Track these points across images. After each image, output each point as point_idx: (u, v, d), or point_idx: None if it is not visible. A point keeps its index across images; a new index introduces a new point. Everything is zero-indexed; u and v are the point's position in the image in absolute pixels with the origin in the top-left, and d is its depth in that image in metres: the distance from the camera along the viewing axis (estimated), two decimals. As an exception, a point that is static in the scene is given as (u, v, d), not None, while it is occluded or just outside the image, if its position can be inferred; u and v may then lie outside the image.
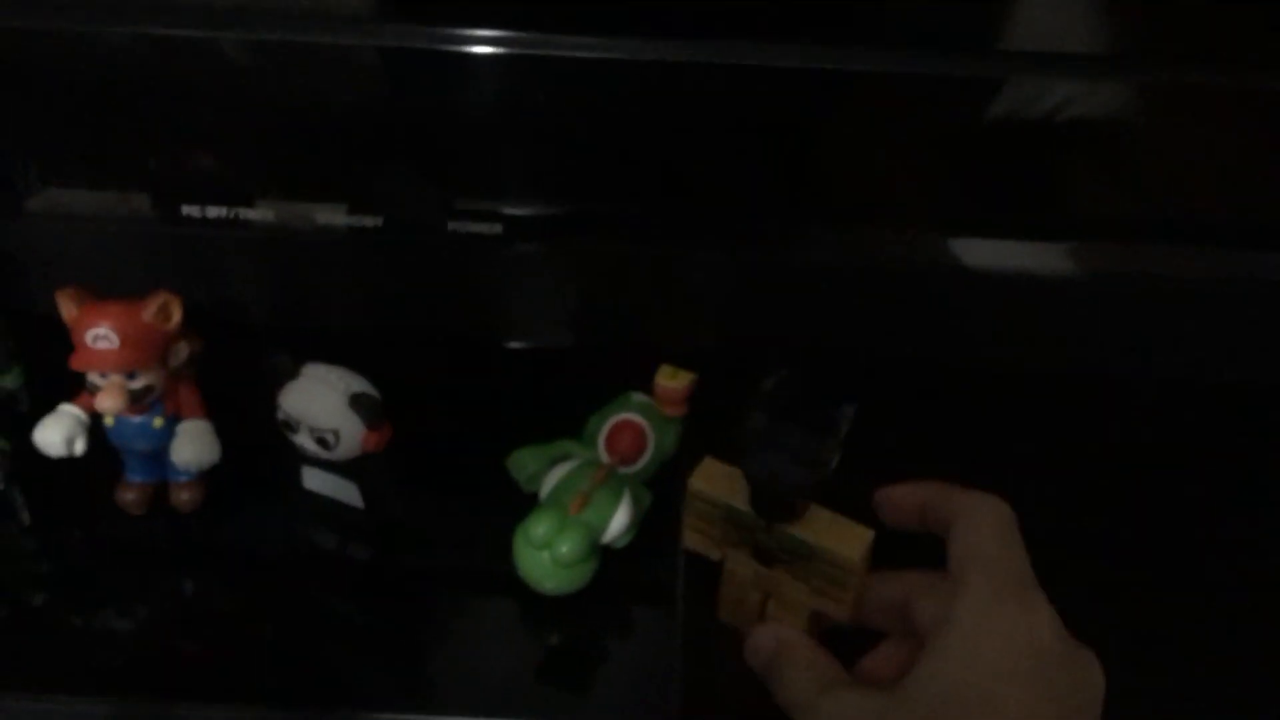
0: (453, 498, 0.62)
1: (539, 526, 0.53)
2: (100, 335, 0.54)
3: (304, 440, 0.55)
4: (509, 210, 0.61)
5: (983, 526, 0.43)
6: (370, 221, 0.60)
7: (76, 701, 0.53)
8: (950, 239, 0.63)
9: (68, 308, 0.55)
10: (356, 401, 0.54)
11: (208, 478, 0.60)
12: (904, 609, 0.45)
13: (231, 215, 0.60)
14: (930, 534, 0.46)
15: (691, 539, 0.49)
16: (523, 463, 0.58)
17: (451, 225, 0.59)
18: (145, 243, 0.65)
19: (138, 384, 0.56)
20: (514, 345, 0.71)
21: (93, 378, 0.55)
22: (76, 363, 0.55)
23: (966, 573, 0.41)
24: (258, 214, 0.60)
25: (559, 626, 0.56)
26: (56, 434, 0.55)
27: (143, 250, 0.66)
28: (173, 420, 0.58)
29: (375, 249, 0.62)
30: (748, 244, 0.65)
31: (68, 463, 0.57)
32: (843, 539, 0.45)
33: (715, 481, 0.47)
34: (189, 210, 0.60)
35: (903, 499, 0.47)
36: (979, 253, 0.63)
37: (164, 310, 0.55)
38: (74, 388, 0.57)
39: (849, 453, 0.43)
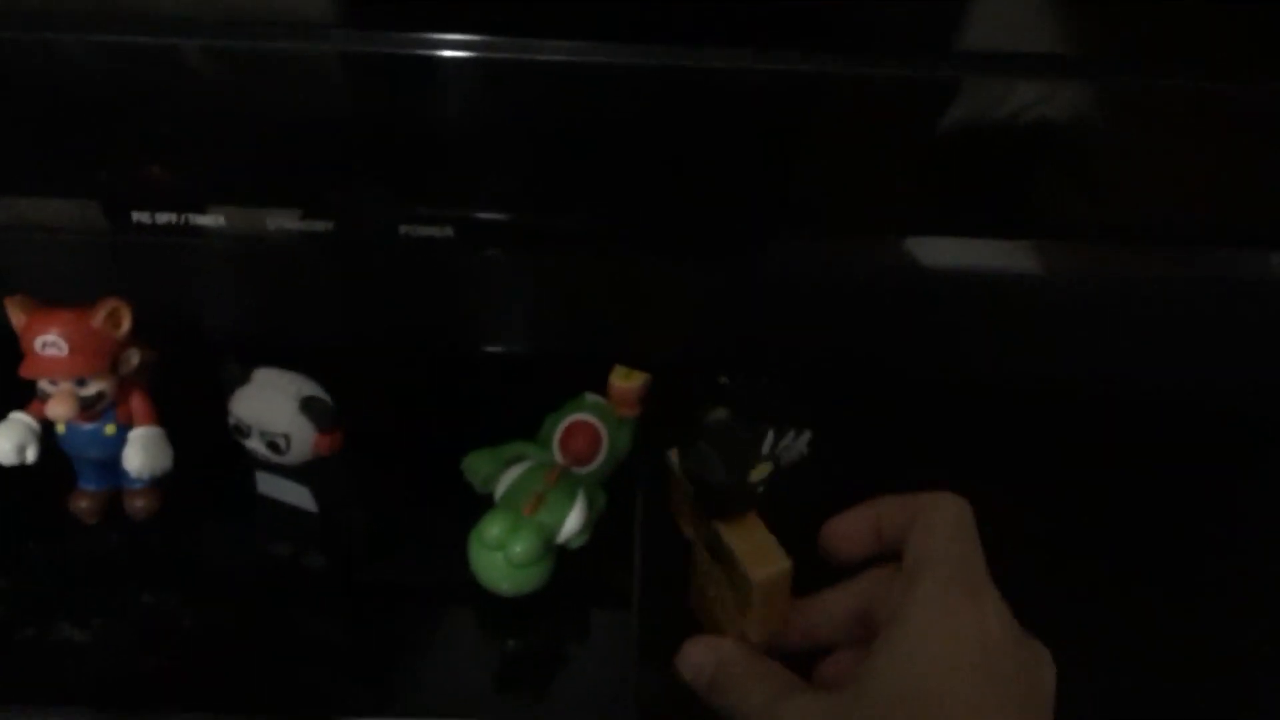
0: (408, 501, 0.62)
1: (493, 528, 0.53)
2: (49, 342, 0.54)
3: (256, 445, 0.55)
4: (461, 215, 0.61)
5: (937, 524, 0.43)
6: (322, 226, 0.60)
7: (30, 712, 0.52)
8: (921, 248, 0.63)
9: (16, 315, 0.54)
10: (307, 405, 0.54)
11: (162, 485, 0.60)
12: (865, 616, 0.45)
13: (182, 221, 0.60)
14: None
15: (673, 508, 0.49)
16: (477, 465, 0.58)
17: (403, 229, 0.59)
18: (95, 250, 0.65)
19: (88, 391, 0.55)
20: (467, 350, 0.71)
21: (43, 385, 0.55)
22: (26, 370, 0.54)
23: (918, 570, 0.42)
24: (208, 220, 0.60)
25: (515, 629, 0.56)
26: (8, 442, 0.55)
27: (93, 258, 0.66)
28: (125, 428, 0.58)
29: (328, 254, 0.62)
30: (708, 253, 0.65)
31: (19, 471, 0.57)
32: (757, 556, 0.44)
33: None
34: (139, 217, 0.60)
35: (852, 525, 0.47)
36: (951, 261, 0.64)
37: (113, 317, 0.55)
38: (25, 396, 0.57)
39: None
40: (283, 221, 0.60)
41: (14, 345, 0.56)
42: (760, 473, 0.43)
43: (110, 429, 0.57)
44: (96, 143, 0.60)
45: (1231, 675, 0.56)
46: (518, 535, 0.53)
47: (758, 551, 0.44)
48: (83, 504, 0.59)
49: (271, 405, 0.54)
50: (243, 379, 0.55)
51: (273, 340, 0.66)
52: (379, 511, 0.61)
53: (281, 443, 0.54)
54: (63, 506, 0.59)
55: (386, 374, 0.68)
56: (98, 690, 0.53)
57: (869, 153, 0.61)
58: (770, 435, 0.43)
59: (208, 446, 0.58)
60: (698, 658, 0.46)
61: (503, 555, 0.53)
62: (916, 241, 0.64)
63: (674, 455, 0.48)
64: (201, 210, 0.61)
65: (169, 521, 0.60)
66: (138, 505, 0.59)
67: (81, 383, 0.55)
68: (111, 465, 0.58)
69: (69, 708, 0.52)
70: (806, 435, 0.44)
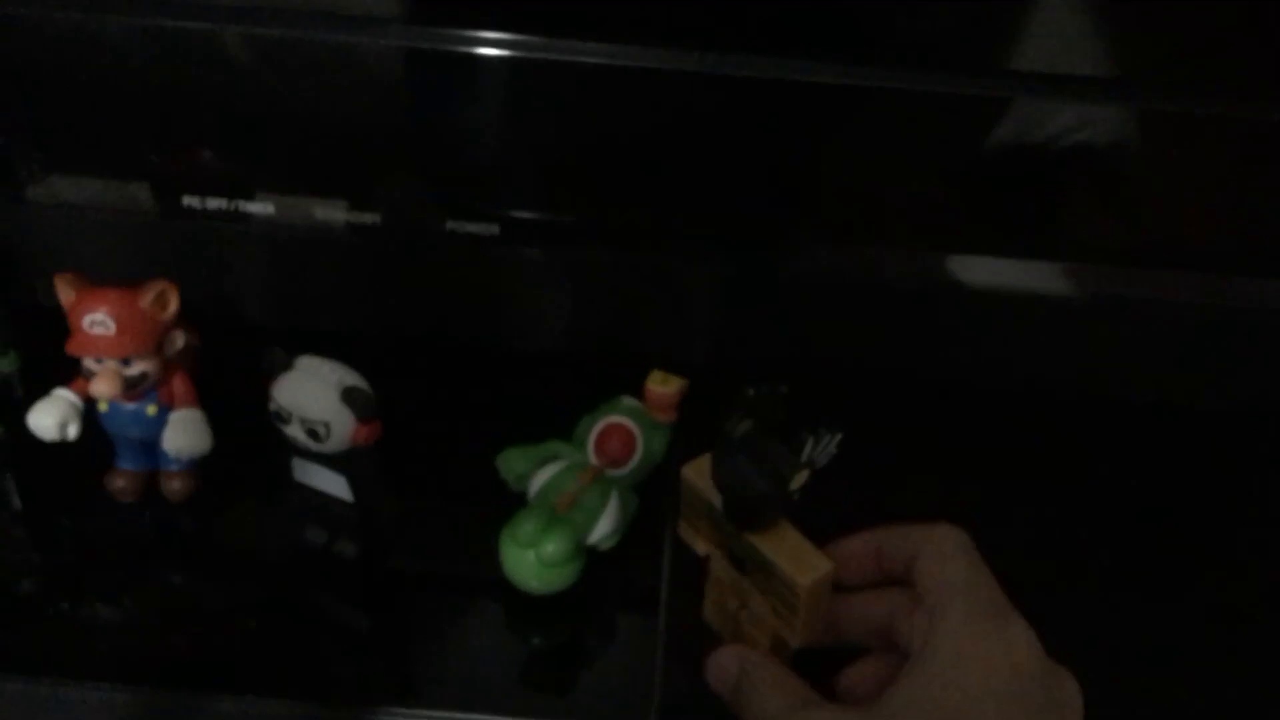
0: (441, 495, 0.62)
1: (525, 525, 0.54)
2: (97, 321, 0.55)
3: (295, 432, 0.56)
4: (508, 212, 0.62)
5: (948, 554, 0.44)
6: (369, 218, 0.60)
7: (62, 687, 0.53)
8: (958, 257, 0.63)
9: (66, 293, 0.55)
10: (348, 395, 0.54)
11: (199, 468, 0.60)
12: (887, 628, 0.45)
13: (231, 207, 0.61)
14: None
15: (684, 530, 0.50)
16: (511, 462, 0.59)
17: (449, 225, 0.60)
18: (144, 232, 0.66)
19: (133, 370, 0.56)
20: (506, 348, 0.71)
21: (88, 363, 0.56)
22: (73, 347, 0.55)
23: (942, 599, 0.42)
24: (257, 207, 0.61)
25: (543, 626, 0.57)
26: (50, 418, 0.56)
27: (141, 240, 0.67)
28: (166, 409, 0.58)
29: (373, 246, 0.63)
30: (747, 256, 0.66)
31: (60, 448, 0.57)
32: (799, 563, 0.45)
33: (705, 477, 0.47)
34: (189, 201, 0.61)
35: (853, 550, 0.47)
36: (988, 272, 0.64)
37: (161, 298, 0.56)
38: (69, 374, 0.58)
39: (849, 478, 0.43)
40: (330, 212, 0.61)
41: (59, 322, 0.57)
42: (799, 480, 0.43)
43: (152, 409, 0.58)
44: (150, 126, 0.61)
45: (1262, 693, 0.56)
46: (550, 534, 0.53)
47: (799, 557, 0.44)
48: (120, 483, 0.59)
49: (313, 393, 0.55)
50: (285, 366, 0.56)
51: (314, 329, 0.66)
52: (412, 504, 0.62)
53: (321, 430, 0.55)
54: (99, 485, 0.60)
55: (424, 368, 0.69)
56: (126, 668, 0.53)
57: (908, 164, 0.61)
58: (810, 441, 0.43)
59: (245, 432, 0.58)
60: (725, 664, 0.47)
61: (534, 553, 0.53)
62: (956, 257, 0.65)
63: (691, 471, 0.48)
64: (251, 197, 0.61)
65: (204, 504, 0.61)
66: (174, 487, 0.59)
67: (126, 362, 0.56)
68: (151, 446, 0.59)
69: (98, 684, 0.52)
70: (839, 437, 0.44)
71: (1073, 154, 0.58)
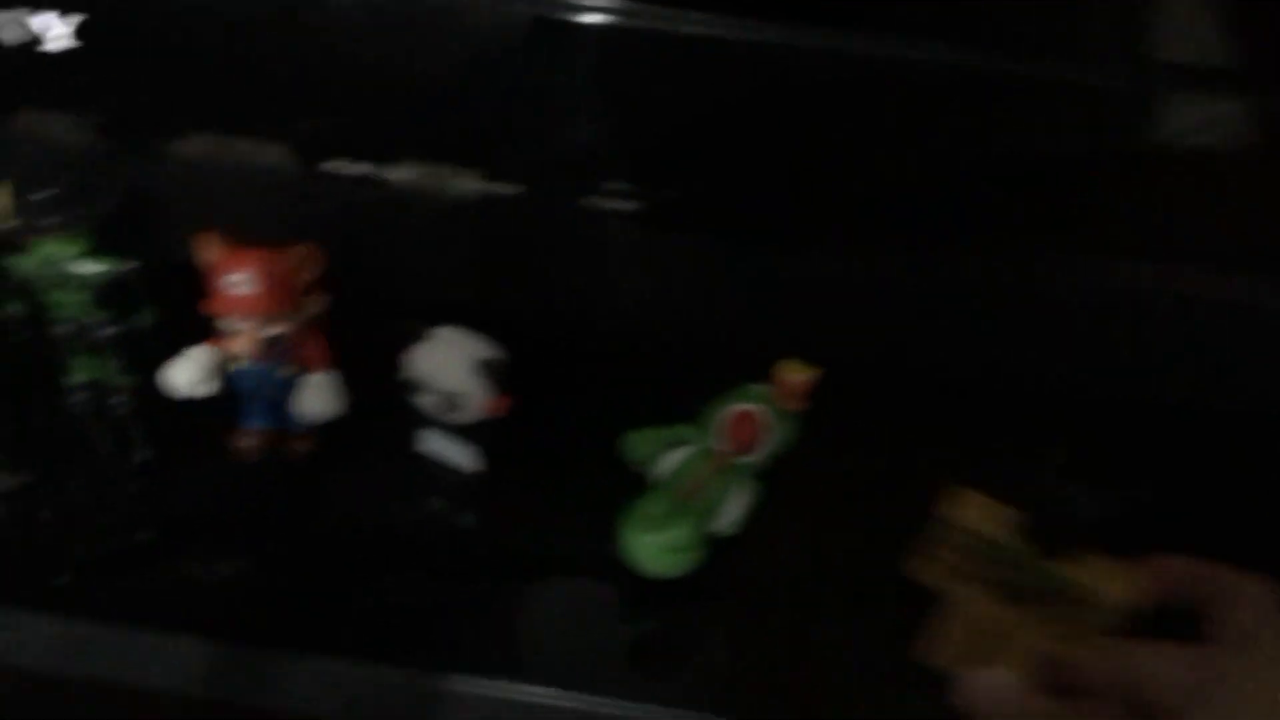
0: (564, 473, 0.62)
1: (650, 509, 0.53)
2: (240, 281, 0.55)
3: (427, 401, 0.56)
4: (647, 190, 0.61)
5: (1250, 606, 0.42)
6: (505, 189, 0.60)
7: (176, 640, 0.54)
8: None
9: (209, 252, 0.55)
10: (484, 367, 0.54)
11: (323, 431, 0.61)
12: (1132, 687, 0.44)
13: (373, 174, 0.61)
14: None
15: (926, 570, 0.49)
16: (638, 445, 0.58)
17: (585, 200, 0.59)
18: (282, 195, 0.66)
19: (271, 331, 0.56)
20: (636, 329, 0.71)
21: (226, 322, 0.56)
22: (213, 307, 0.55)
23: (1231, 650, 0.41)
24: (396, 174, 0.61)
25: (657, 610, 0.56)
26: (186, 375, 0.56)
27: (279, 202, 0.67)
28: (298, 371, 0.58)
29: (508, 218, 0.63)
30: (887, 251, 0.64)
31: (188, 405, 0.58)
32: (1111, 578, 0.44)
33: (974, 514, 0.46)
34: (330, 165, 0.61)
35: (1173, 570, 0.46)
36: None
37: (304, 262, 0.56)
38: (202, 332, 0.58)
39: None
40: (468, 182, 0.60)
41: (193, 280, 0.57)
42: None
43: (285, 371, 0.58)
44: (293, 90, 0.61)
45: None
46: (673, 519, 0.52)
47: (1107, 574, 0.44)
48: (246, 441, 0.60)
49: (448, 364, 0.55)
50: (421, 336, 0.56)
51: (447, 301, 0.66)
52: (535, 479, 0.62)
53: (454, 401, 0.55)
54: (221, 442, 0.60)
55: (552, 344, 0.68)
56: (236, 623, 0.54)
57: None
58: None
59: (372, 398, 0.58)
60: (990, 685, 0.46)
61: (656, 538, 0.53)
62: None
63: (958, 507, 0.47)
64: (392, 164, 0.61)
65: (326, 467, 0.61)
66: (299, 448, 0.60)
67: (265, 323, 0.56)
68: (278, 407, 0.59)
69: (208, 637, 0.53)
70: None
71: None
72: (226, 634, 0.54)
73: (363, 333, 0.60)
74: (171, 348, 0.59)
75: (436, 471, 0.61)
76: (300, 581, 0.57)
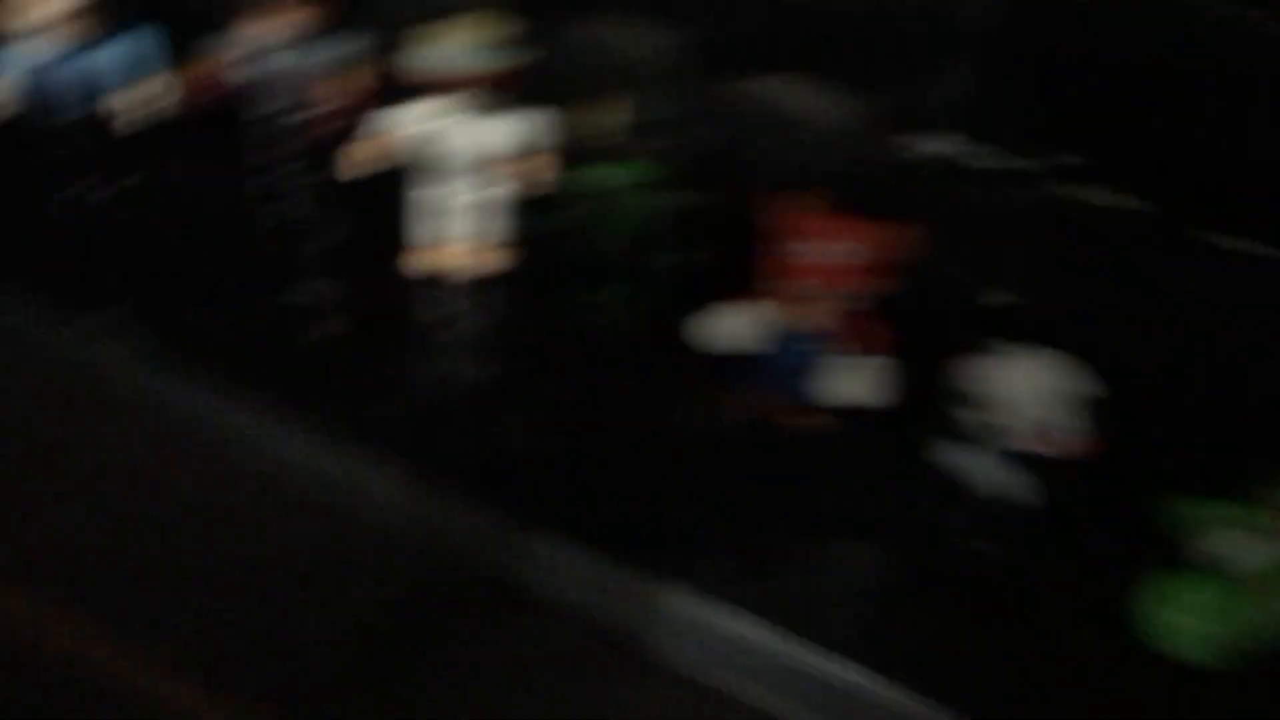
0: (1088, 528, 0.59)
1: (1196, 593, 0.49)
2: (840, 251, 0.53)
3: (981, 417, 0.52)
4: None
5: None
6: (1130, 202, 0.56)
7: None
8: None
9: (804, 217, 0.53)
10: (1075, 401, 0.51)
11: (838, 415, 0.58)
12: None
13: (976, 162, 0.57)
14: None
15: None
16: (1183, 514, 0.54)
17: (1216, 236, 0.55)
18: (869, 168, 0.64)
19: (852, 306, 0.54)
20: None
21: (802, 288, 0.54)
22: (797, 272, 0.54)
23: None
24: (987, 164, 0.58)
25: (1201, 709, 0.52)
26: (733, 327, 0.55)
27: (864, 174, 0.65)
28: (845, 350, 0.56)
29: (1137, 242, 0.59)
30: None
31: (678, 354, 0.56)
32: None
33: None
34: (931, 145, 0.58)
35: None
36: None
37: (900, 242, 0.54)
38: (735, 285, 0.57)
39: None
40: (1099, 194, 0.57)
41: (743, 229, 0.55)
42: None
43: (836, 347, 0.56)
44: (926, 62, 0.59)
45: None
46: (1229, 609, 0.48)
47: None
48: (755, 405, 0.58)
49: (1029, 389, 0.51)
50: (1001, 352, 0.52)
51: (1023, 315, 0.63)
52: (1060, 513, 0.58)
53: (1022, 427, 0.51)
54: (702, 394, 0.59)
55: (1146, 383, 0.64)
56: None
57: None
58: None
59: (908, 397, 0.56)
60: None
61: (1195, 621, 0.48)
62: None
63: None
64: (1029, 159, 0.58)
65: (821, 450, 0.59)
66: (802, 421, 0.58)
67: (852, 297, 0.53)
68: (794, 377, 0.57)
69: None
70: None
71: None
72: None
73: (918, 327, 0.58)
74: (696, 295, 0.58)
75: (942, 483, 0.58)
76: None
